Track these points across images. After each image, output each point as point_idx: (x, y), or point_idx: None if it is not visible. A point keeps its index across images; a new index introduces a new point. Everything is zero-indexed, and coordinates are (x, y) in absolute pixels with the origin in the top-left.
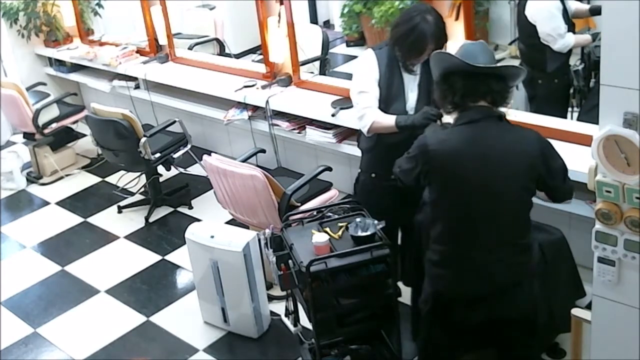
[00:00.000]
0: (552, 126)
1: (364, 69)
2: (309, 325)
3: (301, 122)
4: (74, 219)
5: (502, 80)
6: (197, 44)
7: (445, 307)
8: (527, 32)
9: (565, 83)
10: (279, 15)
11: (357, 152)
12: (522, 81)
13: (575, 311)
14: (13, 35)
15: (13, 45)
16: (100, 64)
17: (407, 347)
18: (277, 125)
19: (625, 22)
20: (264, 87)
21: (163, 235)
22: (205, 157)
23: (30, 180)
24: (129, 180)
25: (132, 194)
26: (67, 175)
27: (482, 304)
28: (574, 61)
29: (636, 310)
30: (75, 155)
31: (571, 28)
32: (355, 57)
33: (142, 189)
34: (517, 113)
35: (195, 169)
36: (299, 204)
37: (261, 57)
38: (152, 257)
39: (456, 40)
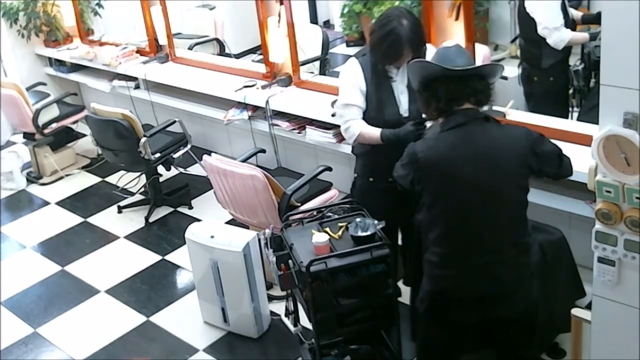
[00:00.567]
0: (552, 126)
1: (348, 81)
2: (309, 325)
3: (301, 122)
4: (74, 219)
5: (484, 79)
6: (197, 44)
7: (442, 307)
8: (526, 25)
9: (562, 82)
10: (279, 15)
11: None
12: (521, 78)
13: (575, 311)
14: (13, 35)
15: (13, 45)
16: (100, 64)
17: (407, 347)
18: (277, 125)
19: (625, 22)
20: (264, 87)
21: (163, 235)
22: (205, 157)
23: (30, 180)
24: (129, 180)
25: (132, 194)
26: (67, 175)
27: (480, 304)
28: (574, 61)
29: (636, 310)
30: (75, 155)
31: (570, 27)
32: None
33: (142, 189)
34: (517, 113)
35: (195, 169)
36: (299, 204)
37: (261, 57)
38: (152, 257)
39: (456, 40)
